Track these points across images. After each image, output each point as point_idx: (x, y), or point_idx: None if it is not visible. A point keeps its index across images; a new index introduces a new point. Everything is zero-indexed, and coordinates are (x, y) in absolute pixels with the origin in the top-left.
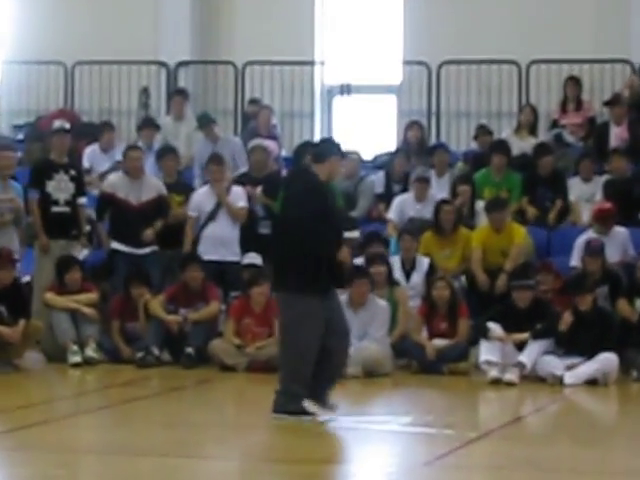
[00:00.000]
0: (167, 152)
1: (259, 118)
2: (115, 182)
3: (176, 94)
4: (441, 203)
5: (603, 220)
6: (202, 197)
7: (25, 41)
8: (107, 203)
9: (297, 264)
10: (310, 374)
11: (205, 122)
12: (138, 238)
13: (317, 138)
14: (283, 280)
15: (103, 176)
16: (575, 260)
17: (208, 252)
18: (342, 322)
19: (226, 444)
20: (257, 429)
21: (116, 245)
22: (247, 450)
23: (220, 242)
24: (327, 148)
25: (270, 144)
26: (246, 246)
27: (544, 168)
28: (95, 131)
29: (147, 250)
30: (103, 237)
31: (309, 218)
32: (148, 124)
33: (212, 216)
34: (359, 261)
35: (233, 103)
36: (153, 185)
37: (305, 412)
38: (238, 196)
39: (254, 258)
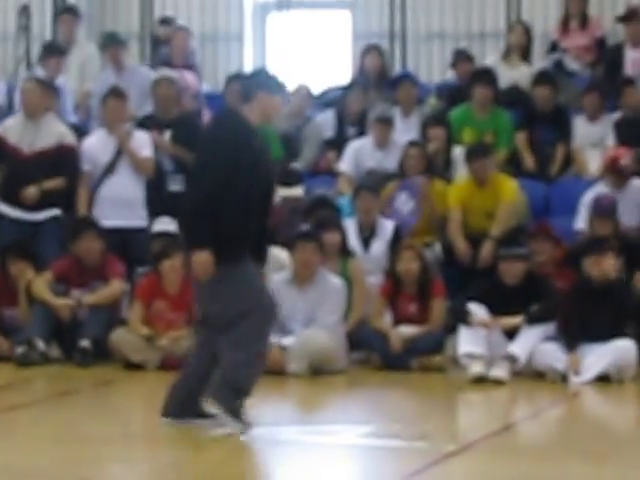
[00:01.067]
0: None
1: (173, 43)
2: (9, 124)
3: (64, 13)
4: (409, 146)
5: (617, 171)
6: (96, 144)
7: None
8: None
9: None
10: None
11: (110, 43)
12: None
13: (249, 68)
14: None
15: None
16: (581, 222)
17: (107, 216)
18: None
19: (131, 462)
20: (170, 443)
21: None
22: (158, 471)
23: (122, 203)
24: (256, 82)
25: (186, 76)
26: (153, 208)
27: (542, 103)
28: None
29: (42, 216)
30: None
31: (222, 176)
32: (54, 51)
33: (110, 169)
34: (303, 227)
35: (139, 24)
36: (54, 130)
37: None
38: (142, 143)
39: (166, 224)
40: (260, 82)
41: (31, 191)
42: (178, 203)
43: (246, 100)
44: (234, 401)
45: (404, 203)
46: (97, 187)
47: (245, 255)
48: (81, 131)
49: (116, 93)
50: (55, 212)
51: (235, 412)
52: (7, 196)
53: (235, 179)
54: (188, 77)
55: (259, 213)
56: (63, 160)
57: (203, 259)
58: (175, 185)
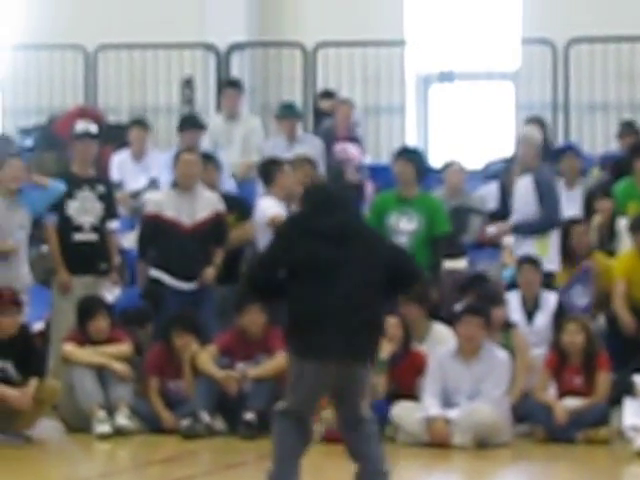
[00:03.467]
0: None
1: (337, 115)
2: (160, 199)
3: (228, 86)
4: (571, 223)
5: None
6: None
7: (36, 22)
8: (152, 229)
9: None
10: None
11: (288, 114)
12: (190, 270)
13: (411, 140)
14: None
15: (137, 195)
16: None
17: None
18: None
19: None
20: None
21: (160, 276)
22: None
23: None
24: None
25: (349, 148)
26: None
27: None
28: (124, 134)
29: (197, 285)
30: (142, 276)
31: None
32: (191, 123)
33: None
34: (457, 307)
35: (302, 96)
36: (208, 200)
37: None
38: None
39: None
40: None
41: (210, 273)
42: None
43: None
44: None
45: (580, 297)
46: None
47: None
48: (243, 203)
49: (286, 163)
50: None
51: None
52: (164, 267)
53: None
54: (351, 149)
55: None
56: (219, 230)
57: None
58: None
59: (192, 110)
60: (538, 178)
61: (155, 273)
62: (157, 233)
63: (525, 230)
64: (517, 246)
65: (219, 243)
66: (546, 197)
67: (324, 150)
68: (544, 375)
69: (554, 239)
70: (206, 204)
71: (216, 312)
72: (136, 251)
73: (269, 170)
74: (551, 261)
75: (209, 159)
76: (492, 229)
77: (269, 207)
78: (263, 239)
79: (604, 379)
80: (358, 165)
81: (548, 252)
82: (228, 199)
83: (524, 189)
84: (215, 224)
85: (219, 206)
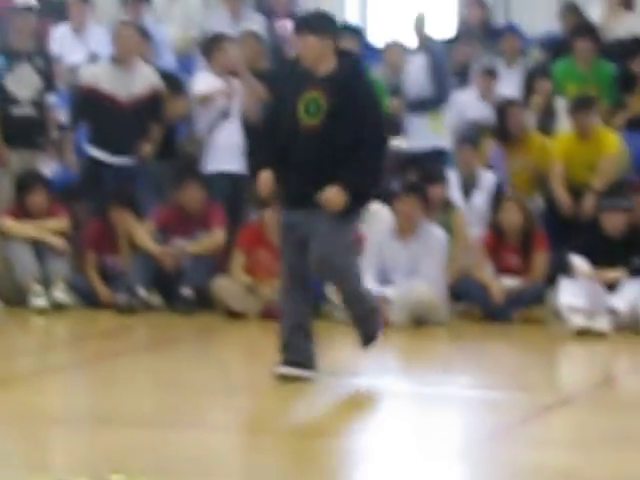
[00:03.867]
0: None
1: None
2: (97, 72)
3: None
4: (507, 103)
5: None
6: (209, 89)
7: None
8: (87, 101)
9: None
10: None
11: None
12: (127, 146)
13: (350, 18)
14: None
15: (75, 68)
16: None
17: (223, 161)
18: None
19: (232, 411)
20: (272, 391)
21: (98, 154)
22: (257, 419)
23: (237, 148)
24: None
25: (287, 25)
26: None
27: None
28: (63, 7)
29: (135, 160)
30: (69, 150)
31: None
32: None
33: (225, 114)
34: (395, 185)
35: None
36: (146, 75)
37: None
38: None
39: None
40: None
41: (147, 149)
42: None
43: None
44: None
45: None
46: (211, 132)
47: None
48: (173, 78)
49: (228, 39)
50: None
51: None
52: (101, 144)
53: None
54: (289, 26)
55: None
56: (157, 106)
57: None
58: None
59: None
60: (431, 54)
61: (90, 149)
62: (92, 107)
63: (417, 107)
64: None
65: (156, 119)
66: (437, 73)
67: (266, 27)
68: (481, 254)
69: (447, 116)
70: (144, 79)
71: (153, 188)
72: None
73: (209, 46)
74: (443, 138)
75: (142, 32)
76: None
77: (201, 84)
78: (197, 116)
79: (541, 259)
80: None
81: (442, 129)
82: (159, 74)
83: (417, 65)
84: (152, 99)
85: (156, 81)
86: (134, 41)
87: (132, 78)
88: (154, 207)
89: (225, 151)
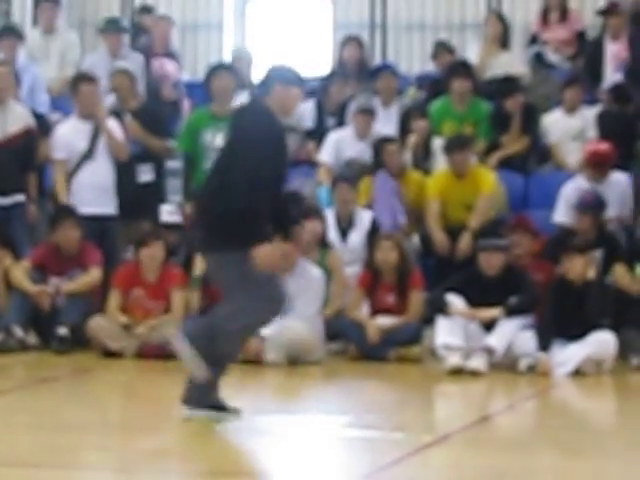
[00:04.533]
0: None
1: (154, 31)
2: None
3: (45, 0)
4: (383, 142)
5: (598, 165)
6: (71, 131)
7: None
8: None
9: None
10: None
11: (113, 29)
12: (2, 185)
13: (228, 57)
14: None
15: None
16: (560, 215)
17: (85, 203)
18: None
19: (110, 451)
20: (148, 431)
21: None
22: (137, 459)
23: (100, 190)
24: (273, 75)
25: (166, 64)
26: (122, 197)
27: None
28: None
29: (10, 200)
30: None
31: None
32: (8, 32)
33: (88, 155)
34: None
35: (119, 12)
36: (20, 114)
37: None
38: (114, 129)
39: (171, 214)
40: (277, 75)
41: (32, 210)
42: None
43: (264, 93)
44: (206, 348)
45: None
46: (74, 174)
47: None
48: (43, 119)
49: (88, 78)
50: (21, 198)
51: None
52: None
53: (263, 170)
54: (168, 66)
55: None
56: (31, 146)
57: (270, 251)
58: (145, 176)
59: (9, 24)
60: None
61: None
62: None
63: None
64: None
65: (30, 158)
66: None
67: (144, 66)
68: (357, 293)
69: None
70: (17, 118)
71: (27, 227)
72: None
73: (72, 87)
74: None
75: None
76: None
77: (62, 131)
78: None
79: (417, 298)
80: (175, 82)
81: None
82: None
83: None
84: (26, 139)
85: (30, 121)
86: (9, 80)
87: (5, 117)
88: (29, 246)
89: (90, 192)
